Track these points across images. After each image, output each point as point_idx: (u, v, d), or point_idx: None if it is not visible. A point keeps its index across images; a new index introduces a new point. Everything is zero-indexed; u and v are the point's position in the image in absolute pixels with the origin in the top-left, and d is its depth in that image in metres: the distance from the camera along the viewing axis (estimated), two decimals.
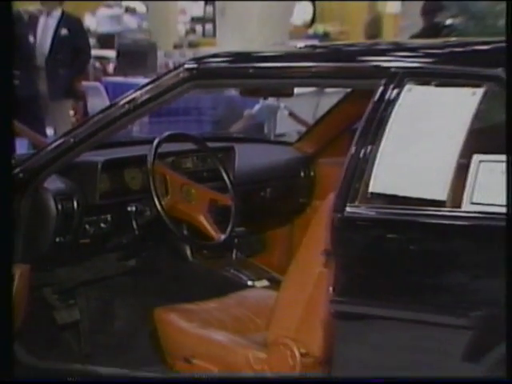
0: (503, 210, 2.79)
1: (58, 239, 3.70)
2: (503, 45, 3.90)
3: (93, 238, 3.89)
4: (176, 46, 17.82)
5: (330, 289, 2.99)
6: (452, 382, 2.84)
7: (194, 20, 23.78)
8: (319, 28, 24.30)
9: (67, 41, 10.14)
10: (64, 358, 3.64)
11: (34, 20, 10.19)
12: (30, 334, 3.58)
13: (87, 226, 3.84)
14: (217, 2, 11.41)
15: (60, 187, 3.77)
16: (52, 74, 9.81)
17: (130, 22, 19.98)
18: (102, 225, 3.91)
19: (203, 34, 23.09)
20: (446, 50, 3.65)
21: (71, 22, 10.41)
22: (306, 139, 4.80)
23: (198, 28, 23.90)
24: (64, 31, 10.21)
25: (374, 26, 10.16)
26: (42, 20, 10.12)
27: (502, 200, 2.79)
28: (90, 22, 20.65)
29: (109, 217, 3.95)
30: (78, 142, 3.73)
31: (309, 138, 4.77)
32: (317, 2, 25.99)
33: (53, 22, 10.07)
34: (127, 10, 21.07)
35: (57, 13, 10.17)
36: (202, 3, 24.15)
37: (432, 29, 9.86)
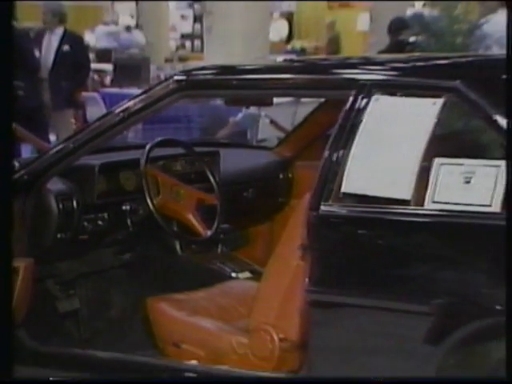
0: (462, 208, 2.81)
1: (59, 235, 3.70)
2: (461, 60, 3.95)
3: (91, 235, 3.88)
4: (167, 60, 17.88)
5: (306, 280, 3.01)
6: (452, 381, 2.87)
7: (184, 36, 23.87)
8: (296, 44, 24.55)
9: (69, 56, 10.14)
10: (65, 343, 3.65)
11: (39, 37, 10.23)
12: (34, 322, 3.57)
13: (86, 224, 3.84)
14: (204, 20, 11.44)
15: (61, 188, 3.77)
16: (55, 86, 9.81)
17: (126, 38, 20.09)
18: (100, 222, 3.91)
19: (192, 50, 23.19)
20: (410, 64, 3.68)
21: (73, 39, 10.43)
22: (285, 144, 4.83)
23: (188, 44, 23.99)
24: (66, 47, 10.19)
25: (334, 44, 10.20)
26: (46, 37, 10.16)
27: (461, 199, 2.82)
28: (90, 38, 20.57)
29: (105, 215, 3.94)
30: (77, 147, 3.73)
31: (287, 144, 4.79)
32: (294, 21, 26.26)
33: (55, 38, 10.10)
34: (128, 28, 21.21)
35: (59, 30, 10.19)
36: (191, 21, 24.34)
37: (397, 45, 9.92)
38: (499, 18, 7.84)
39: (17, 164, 3.94)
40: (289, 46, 24.22)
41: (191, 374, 3.42)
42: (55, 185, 3.76)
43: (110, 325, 3.72)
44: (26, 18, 13.10)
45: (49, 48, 10.10)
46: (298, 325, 3.14)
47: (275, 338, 3.25)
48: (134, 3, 26.09)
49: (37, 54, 9.93)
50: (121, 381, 3.35)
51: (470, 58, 4.39)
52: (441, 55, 4.97)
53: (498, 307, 2.73)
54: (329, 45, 14.34)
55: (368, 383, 2.97)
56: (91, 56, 16.92)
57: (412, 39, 8.91)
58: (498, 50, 7.39)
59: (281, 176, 4.44)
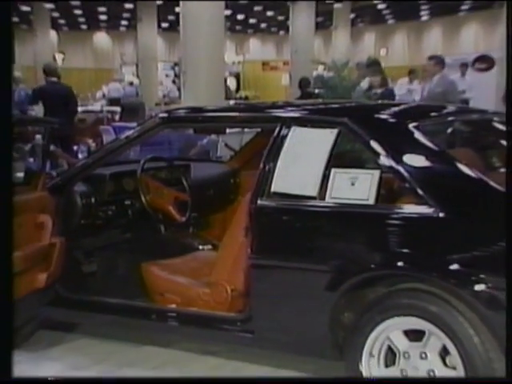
0: (349, 201, 2.84)
1: (82, 221, 3.69)
2: (347, 105, 3.98)
3: (104, 220, 3.86)
4: (157, 104, 17.79)
5: (248, 250, 3.04)
6: (452, 381, 2.66)
7: (169, 90, 23.87)
8: (242, 93, 24.87)
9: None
10: (87, 292, 3.61)
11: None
12: (66, 279, 3.55)
13: (100, 213, 3.82)
14: (181, 77, 11.46)
15: (83, 189, 3.74)
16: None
17: (129, 90, 20.36)
18: (109, 212, 3.89)
19: None
20: (315, 107, 3.72)
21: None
22: (234, 160, 4.81)
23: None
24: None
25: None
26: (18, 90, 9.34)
27: (348, 195, 2.85)
28: (105, 89, 20.98)
29: (113, 207, 3.92)
30: (94, 162, 3.72)
31: (236, 159, 4.78)
32: (241, 78, 26.71)
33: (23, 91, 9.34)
34: (131, 83, 21.39)
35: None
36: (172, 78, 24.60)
37: (306, 95, 10.08)
38: (368, 81, 8.08)
39: (54, 173, 3.91)
40: (237, 95, 24.58)
41: (171, 314, 3.38)
42: (79, 187, 3.73)
43: (117, 281, 3.68)
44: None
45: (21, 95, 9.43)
46: (243, 280, 3.15)
47: (228, 289, 3.26)
48: (135, 67, 26.53)
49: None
50: (121, 381, 3.04)
51: (352, 104, 4.48)
52: (334, 101, 5.12)
53: (372, 266, 2.78)
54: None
55: (368, 383, 2.79)
56: (106, 102, 17.57)
57: (316, 91, 9.15)
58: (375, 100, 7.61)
59: (231, 181, 4.42)
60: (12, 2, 2.52)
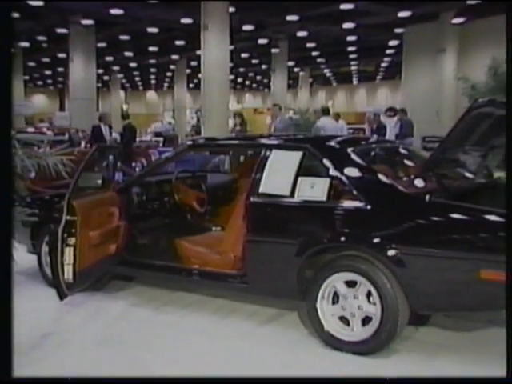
0: (310, 198, 2.79)
1: (137, 211, 3.65)
2: (308, 137, 3.93)
3: (151, 211, 3.81)
4: (186, 135, 17.69)
5: (245, 230, 3.01)
6: (452, 381, 2.28)
7: (194, 126, 23.53)
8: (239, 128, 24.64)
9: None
10: (140, 256, 3.50)
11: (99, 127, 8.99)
12: (128, 248, 3.50)
13: (148, 206, 3.79)
14: (201, 119, 11.41)
15: (138, 191, 3.70)
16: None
17: (168, 127, 20.37)
18: (155, 206, 3.84)
19: (196, 131, 23.06)
20: (288, 137, 3.57)
21: (124, 127, 9.16)
22: (235, 171, 4.66)
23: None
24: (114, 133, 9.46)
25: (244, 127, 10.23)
26: (103, 127, 8.86)
27: (309, 195, 2.80)
28: (152, 127, 20.87)
29: (157, 202, 3.87)
30: (145, 173, 3.72)
31: (236, 171, 4.64)
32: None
33: (107, 128, 8.94)
34: (170, 123, 21.39)
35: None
36: (196, 119, 24.22)
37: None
38: (322, 121, 7.99)
39: (120, 181, 3.90)
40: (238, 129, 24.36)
41: (195, 271, 3.28)
42: (136, 189, 3.68)
43: (159, 250, 3.60)
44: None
45: (107, 132, 8.96)
46: (242, 250, 3.09)
47: (232, 256, 3.23)
48: (172, 112, 26.29)
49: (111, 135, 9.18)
50: (121, 381, 2.35)
51: (313, 136, 4.53)
52: (301, 134, 5.10)
53: (325, 240, 2.75)
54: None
55: (369, 383, 2.39)
56: (153, 135, 17.44)
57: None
58: (324, 133, 7.56)
59: (233, 185, 4.32)
60: (12, 3, 1.77)
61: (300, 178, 2.88)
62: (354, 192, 2.73)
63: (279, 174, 2.95)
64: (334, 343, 2.71)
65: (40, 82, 30.18)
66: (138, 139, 11.49)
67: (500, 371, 2.27)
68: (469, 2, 10.37)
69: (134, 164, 9.27)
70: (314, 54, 20.01)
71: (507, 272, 1.99)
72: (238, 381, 2.31)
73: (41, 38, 16.68)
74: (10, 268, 1.82)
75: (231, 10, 10.79)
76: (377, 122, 9.60)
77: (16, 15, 12.39)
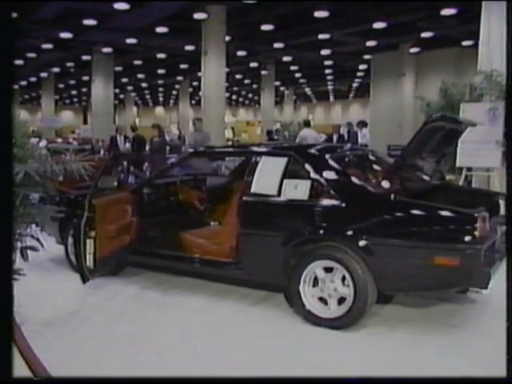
0: (294, 197, 2.76)
1: (147, 209, 3.58)
2: (294, 145, 3.84)
3: (159, 208, 3.76)
4: (189, 145, 17.54)
5: (239, 225, 2.97)
6: (452, 381, 1.96)
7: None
8: (236, 138, 24.43)
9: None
10: (150, 246, 3.43)
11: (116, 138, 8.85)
12: (140, 239, 3.43)
13: (157, 204, 3.74)
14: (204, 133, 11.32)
15: (148, 191, 3.65)
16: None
17: (175, 139, 20.12)
18: (162, 204, 3.78)
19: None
20: (275, 146, 3.56)
21: (134, 137, 8.83)
22: (231, 175, 4.42)
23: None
24: (127, 142, 9.00)
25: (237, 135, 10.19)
26: (118, 138, 8.86)
27: (294, 194, 2.76)
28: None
29: (165, 201, 3.81)
30: (155, 176, 3.69)
31: (231, 174, 4.44)
32: (235, 129, 26.19)
33: (122, 138, 8.79)
34: (179, 137, 21.21)
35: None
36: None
37: (271, 139, 10.10)
38: (304, 131, 7.96)
39: (134, 182, 3.86)
40: (234, 139, 24.22)
41: (196, 260, 3.18)
42: (146, 190, 3.63)
43: (166, 242, 3.49)
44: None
45: (122, 141, 8.84)
46: (236, 241, 3.02)
47: (228, 246, 3.19)
48: (177, 124, 25.40)
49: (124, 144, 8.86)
50: (121, 381, 1.98)
51: (297, 145, 4.49)
52: (287, 143, 5.06)
53: (306, 233, 2.73)
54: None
55: (369, 383, 2.00)
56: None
57: (275, 137, 9.21)
58: (306, 142, 7.53)
59: (229, 186, 4.19)
60: (12, 3, 1.49)
61: (285, 180, 2.86)
62: (331, 192, 2.72)
63: (268, 177, 2.92)
64: (314, 320, 2.71)
65: (68, 101, 30.31)
66: (147, 147, 11.30)
67: (447, 338, 2.43)
68: (423, 35, 10.67)
69: (144, 168, 9.19)
70: (297, 75, 20.12)
71: (507, 272, 1.82)
72: (238, 381, 2.01)
73: (69, 64, 16.78)
74: (10, 270, 1.60)
75: (227, 38, 10.80)
76: (345, 131, 9.78)
77: (49, 46, 12.54)
